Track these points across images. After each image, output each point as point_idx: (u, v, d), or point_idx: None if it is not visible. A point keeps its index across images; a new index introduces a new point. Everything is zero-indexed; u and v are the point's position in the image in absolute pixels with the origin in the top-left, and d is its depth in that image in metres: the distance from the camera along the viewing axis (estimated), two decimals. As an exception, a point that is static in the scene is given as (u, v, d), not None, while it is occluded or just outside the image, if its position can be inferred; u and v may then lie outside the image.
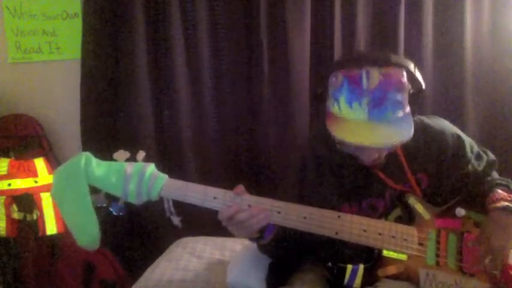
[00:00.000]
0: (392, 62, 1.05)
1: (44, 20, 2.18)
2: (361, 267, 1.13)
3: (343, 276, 1.13)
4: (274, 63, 2.09)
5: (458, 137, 1.24)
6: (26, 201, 1.95)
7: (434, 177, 1.21)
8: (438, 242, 1.14)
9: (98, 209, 1.05)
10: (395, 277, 1.12)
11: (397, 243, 1.12)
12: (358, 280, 1.13)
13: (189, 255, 1.78)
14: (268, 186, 2.08)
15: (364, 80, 1.02)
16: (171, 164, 2.10)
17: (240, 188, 1.07)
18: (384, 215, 1.18)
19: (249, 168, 2.16)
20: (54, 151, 2.17)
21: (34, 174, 2.01)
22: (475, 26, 2.10)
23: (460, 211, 1.16)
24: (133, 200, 1.04)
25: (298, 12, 2.04)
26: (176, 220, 1.10)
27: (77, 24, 2.14)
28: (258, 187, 2.07)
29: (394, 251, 1.12)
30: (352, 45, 2.07)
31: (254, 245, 1.23)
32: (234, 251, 1.78)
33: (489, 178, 1.24)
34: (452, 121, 1.31)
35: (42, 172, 2.03)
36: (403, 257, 1.13)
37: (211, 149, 2.16)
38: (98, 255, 1.98)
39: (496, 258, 1.08)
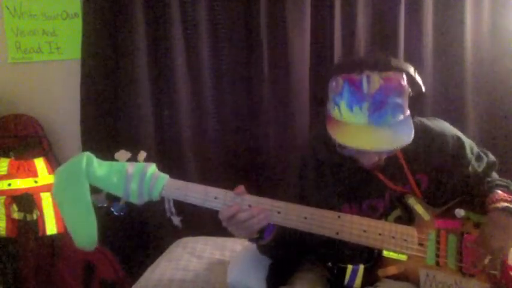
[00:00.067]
0: (392, 66, 1.05)
1: (44, 20, 2.18)
2: (361, 267, 1.13)
3: (344, 276, 1.14)
4: (274, 63, 2.08)
5: (458, 138, 1.24)
6: (26, 201, 1.95)
7: (434, 178, 1.21)
8: (438, 243, 1.14)
9: (98, 209, 1.05)
10: (395, 277, 1.13)
11: (397, 243, 1.12)
12: (358, 280, 1.13)
13: (189, 255, 1.78)
14: (268, 186, 2.08)
15: (365, 84, 1.02)
16: (171, 164, 2.09)
17: (241, 188, 1.08)
18: (384, 215, 1.18)
19: (249, 168, 2.16)
20: (54, 151, 2.17)
21: (34, 174, 2.01)
22: (475, 26, 2.10)
23: (460, 212, 1.16)
24: (135, 200, 1.04)
25: (298, 12, 2.04)
26: (177, 220, 1.10)
27: (77, 24, 2.14)
28: (258, 187, 2.07)
29: (394, 251, 1.12)
30: (352, 45, 2.07)
31: (254, 245, 1.23)
32: (234, 251, 1.78)
33: (489, 179, 1.24)
34: (452, 121, 1.31)
35: (42, 172, 2.03)
36: (403, 257, 1.13)
37: (211, 149, 2.16)
38: (98, 255, 1.98)
39: (495, 258, 1.08)
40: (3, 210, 1.91)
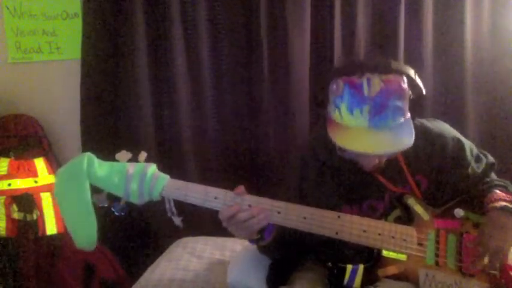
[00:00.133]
0: (392, 68, 1.05)
1: (44, 20, 2.18)
2: (361, 267, 1.13)
3: (343, 276, 1.14)
4: (274, 63, 2.09)
5: (458, 140, 1.24)
6: (26, 201, 1.95)
7: (434, 179, 1.22)
8: (437, 242, 1.14)
9: (98, 209, 1.05)
10: (395, 277, 1.13)
11: (397, 243, 1.12)
12: (358, 280, 1.13)
13: (189, 255, 1.78)
14: (268, 186, 2.08)
15: (365, 87, 1.02)
16: (171, 164, 2.10)
17: (241, 188, 1.08)
18: (384, 215, 1.18)
19: (249, 168, 2.16)
20: (54, 151, 2.17)
21: (34, 174, 2.01)
22: (475, 26, 2.10)
23: (459, 212, 1.17)
24: (135, 200, 1.05)
25: (298, 12, 2.04)
26: (177, 220, 1.10)
27: (77, 24, 2.14)
28: (258, 187, 2.07)
29: (394, 251, 1.13)
30: (352, 45, 2.07)
31: (254, 245, 1.24)
32: (234, 251, 1.78)
33: (487, 179, 1.24)
34: (452, 121, 1.31)
35: (42, 172, 2.03)
36: (403, 257, 1.13)
37: (211, 149, 2.17)
38: (98, 255, 1.98)
39: (494, 257, 1.08)
40: (3, 210, 1.91)
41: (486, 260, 1.09)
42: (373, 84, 1.02)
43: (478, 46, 2.12)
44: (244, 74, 2.13)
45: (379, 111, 1.02)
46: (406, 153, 1.17)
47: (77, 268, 1.94)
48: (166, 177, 1.07)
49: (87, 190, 1.02)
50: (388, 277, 1.13)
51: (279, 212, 1.08)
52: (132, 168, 1.04)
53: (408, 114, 1.07)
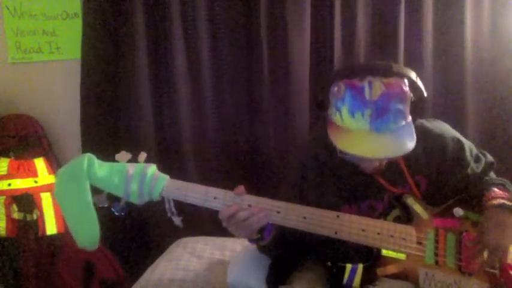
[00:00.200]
0: (394, 71, 1.05)
1: (44, 20, 2.18)
2: (360, 266, 1.13)
3: (343, 275, 1.14)
4: (274, 63, 2.09)
5: (458, 140, 1.24)
6: (26, 201, 1.95)
7: (434, 179, 1.22)
8: (437, 241, 1.15)
9: (98, 210, 1.05)
10: (394, 276, 1.13)
11: (396, 242, 1.12)
12: (357, 279, 1.13)
13: (189, 255, 1.78)
14: (268, 186, 2.08)
15: (367, 91, 1.02)
16: (171, 164, 2.10)
17: (240, 188, 1.08)
18: (383, 215, 1.18)
19: (249, 168, 2.16)
20: (54, 151, 2.17)
21: (34, 174, 2.01)
22: (475, 26, 2.10)
23: (458, 211, 1.17)
24: (135, 200, 1.05)
25: (298, 12, 2.04)
26: (177, 220, 1.10)
27: (77, 24, 2.14)
28: (258, 187, 2.07)
29: (393, 250, 1.13)
30: (352, 45, 2.07)
31: (254, 245, 1.24)
32: (234, 251, 1.78)
33: (486, 178, 1.25)
34: (452, 121, 1.31)
35: (42, 172, 2.04)
36: (402, 256, 1.13)
37: (211, 149, 2.17)
38: (98, 255, 1.98)
39: (493, 254, 1.08)
40: (3, 210, 1.91)
41: (485, 256, 1.09)
42: (374, 88, 1.02)
43: (478, 46, 2.12)
44: (244, 74, 2.13)
45: (381, 115, 1.01)
46: (406, 155, 1.17)
47: (77, 268, 1.94)
48: (166, 177, 1.07)
49: (88, 190, 1.02)
50: (387, 276, 1.13)
51: (278, 212, 1.08)
52: (132, 168, 1.04)
53: (409, 118, 1.07)
